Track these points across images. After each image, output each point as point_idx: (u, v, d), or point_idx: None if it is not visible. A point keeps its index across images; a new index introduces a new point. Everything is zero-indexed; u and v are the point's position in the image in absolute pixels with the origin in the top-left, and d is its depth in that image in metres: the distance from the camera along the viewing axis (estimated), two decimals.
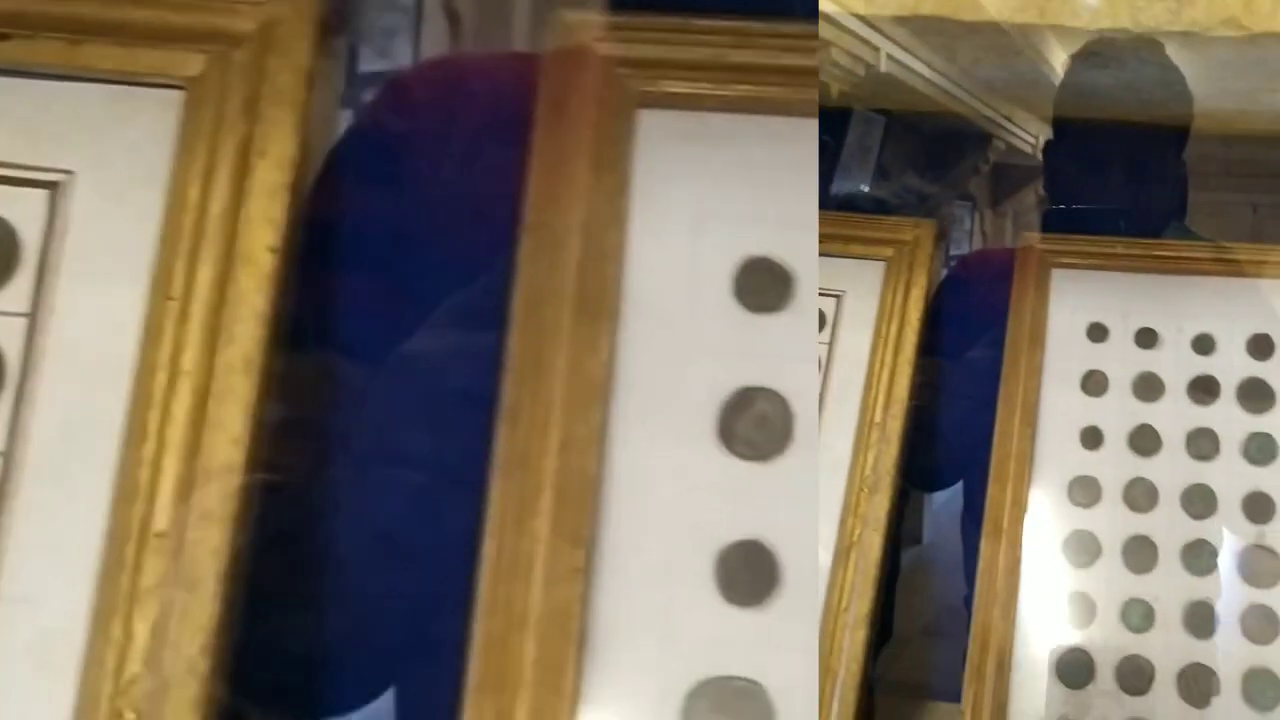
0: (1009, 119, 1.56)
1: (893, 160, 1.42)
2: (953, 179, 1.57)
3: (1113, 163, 1.27)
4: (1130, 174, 1.27)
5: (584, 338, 0.57)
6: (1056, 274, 1.17)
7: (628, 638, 0.56)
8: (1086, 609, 1.06)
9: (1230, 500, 1.07)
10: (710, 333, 0.58)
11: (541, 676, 0.55)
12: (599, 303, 0.57)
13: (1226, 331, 1.13)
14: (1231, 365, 1.12)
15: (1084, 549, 1.07)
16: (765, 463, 0.57)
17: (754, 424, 0.57)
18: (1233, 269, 1.15)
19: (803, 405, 0.58)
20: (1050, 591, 1.08)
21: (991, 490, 1.09)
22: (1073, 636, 1.06)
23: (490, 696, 0.54)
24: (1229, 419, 1.10)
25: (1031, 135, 1.37)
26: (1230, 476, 1.08)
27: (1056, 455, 1.11)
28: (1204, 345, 1.12)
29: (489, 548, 0.56)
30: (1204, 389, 1.11)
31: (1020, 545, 1.08)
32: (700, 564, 0.57)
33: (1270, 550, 1.04)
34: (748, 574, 0.56)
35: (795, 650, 0.56)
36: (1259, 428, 1.09)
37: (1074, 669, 1.04)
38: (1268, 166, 1.51)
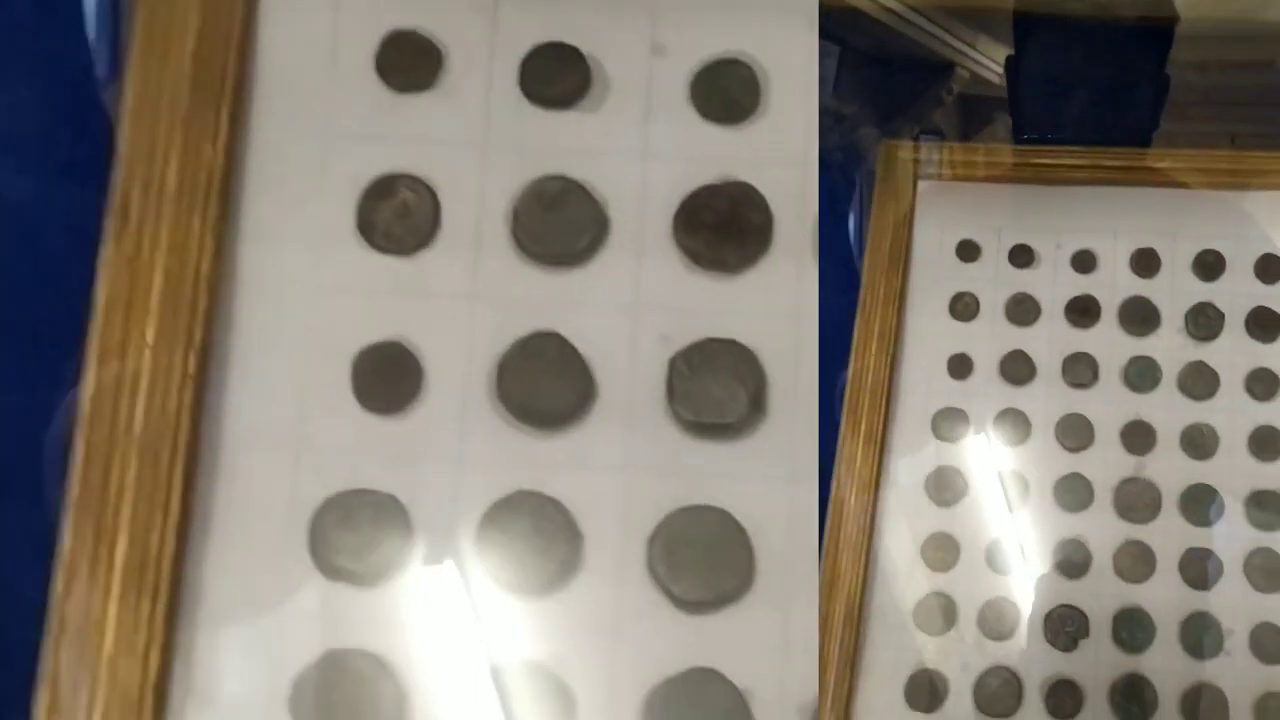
0: (972, 45, 1.53)
1: (848, 91, 1.38)
2: (916, 110, 1.54)
3: (1082, 74, 1.22)
4: (1102, 88, 1.21)
5: (202, 123, 0.56)
6: (923, 185, 1.16)
7: (252, 450, 0.55)
8: (950, 551, 1.05)
9: (1108, 430, 1.06)
10: (349, 115, 0.57)
11: (144, 493, 0.54)
12: (220, 84, 0.56)
13: (1109, 247, 1.12)
14: (1114, 284, 1.11)
15: (949, 487, 1.07)
16: (408, 257, 0.57)
17: (396, 214, 0.57)
18: (1116, 177, 1.14)
19: (451, 193, 0.57)
20: (910, 534, 1.07)
21: (845, 426, 1.08)
22: (934, 581, 1.05)
23: (89, 515, 0.53)
24: (1109, 343, 1.09)
25: (999, 65, 1.32)
26: (1109, 405, 1.07)
27: (921, 386, 1.11)
28: (1084, 263, 1.11)
29: (90, 355, 0.55)
30: (1083, 310, 1.10)
31: (874, 486, 1.08)
32: (335, 369, 0.56)
33: (1149, 483, 1.04)
34: (388, 379, 0.56)
35: (437, 461, 0.55)
36: (1141, 351, 1.08)
37: (934, 615, 1.03)
38: (1247, 94, 1.47)
